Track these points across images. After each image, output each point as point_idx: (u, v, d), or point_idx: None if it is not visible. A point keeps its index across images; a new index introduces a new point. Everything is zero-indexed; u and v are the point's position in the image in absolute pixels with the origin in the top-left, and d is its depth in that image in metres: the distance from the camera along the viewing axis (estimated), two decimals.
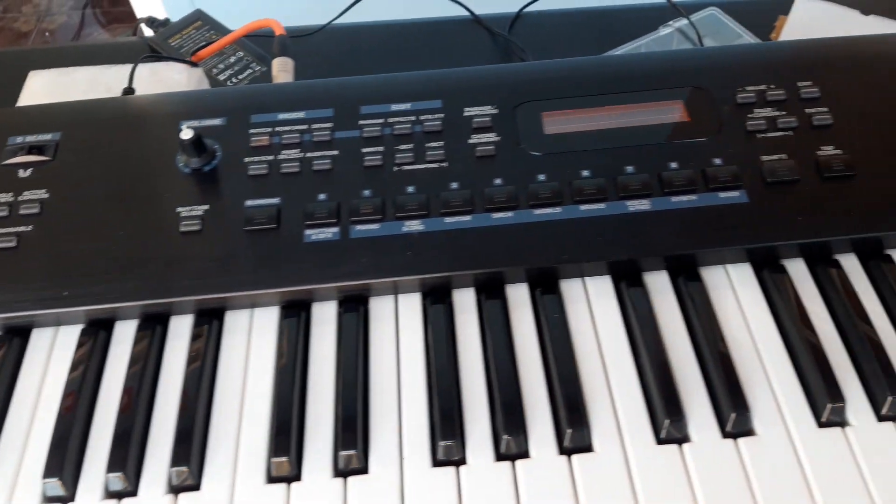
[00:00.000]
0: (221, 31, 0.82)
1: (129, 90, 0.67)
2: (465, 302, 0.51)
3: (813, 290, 0.51)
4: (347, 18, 0.85)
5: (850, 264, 0.52)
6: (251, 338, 0.50)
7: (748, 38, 0.82)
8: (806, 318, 0.49)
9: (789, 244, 0.51)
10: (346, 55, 0.83)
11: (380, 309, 0.51)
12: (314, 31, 0.83)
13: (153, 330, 0.50)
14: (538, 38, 0.85)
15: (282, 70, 0.66)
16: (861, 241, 0.52)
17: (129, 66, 0.72)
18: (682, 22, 0.82)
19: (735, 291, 0.51)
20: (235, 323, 0.50)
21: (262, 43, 0.79)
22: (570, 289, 0.51)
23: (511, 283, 0.52)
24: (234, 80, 0.78)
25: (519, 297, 0.51)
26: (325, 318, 0.50)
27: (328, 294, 0.51)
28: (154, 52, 0.81)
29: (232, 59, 0.81)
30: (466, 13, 0.86)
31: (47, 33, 2.33)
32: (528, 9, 0.89)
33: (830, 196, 0.52)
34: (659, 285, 0.51)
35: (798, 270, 0.52)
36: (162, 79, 0.77)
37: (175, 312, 0.51)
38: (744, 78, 0.57)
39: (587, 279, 0.52)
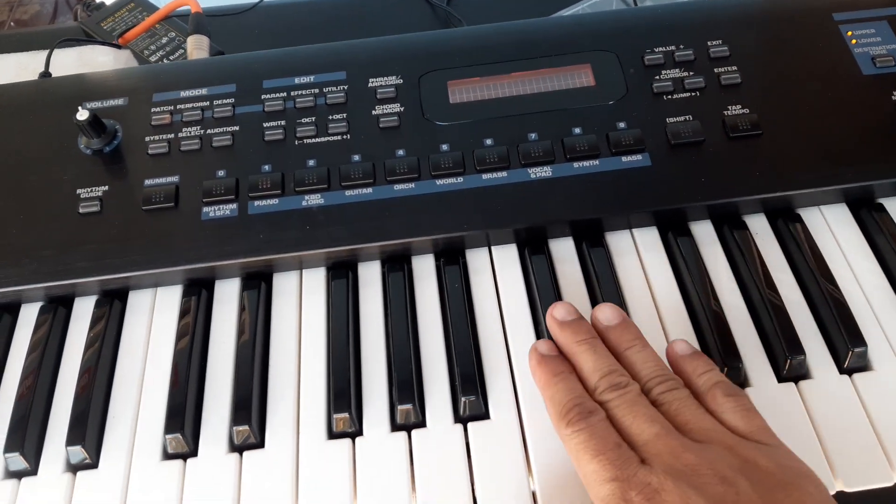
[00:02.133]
0: (153, 12, 0.81)
1: (45, 74, 0.66)
2: (370, 275, 0.51)
3: (720, 252, 0.50)
4: None
5: (759, 225, 0.52)
6: (153, 317, 0.49)
7: None
8: (709, 283, 0.48)
9: (693, 206, 0.51)
10: (280, 33, 0.81)
11: (283, 285, 0.50)
12: (248, 8, 0.82)
13: (55, 312, 0.49)
14: (478, 9, 0.84)
15: (196, 48, 0.65)
16: (769, 200, 0.51)
17: (58, 53, 0.71)
18: None
19: (640, 255, 0.50)
20: (138, 302, 0.50)
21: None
22: (476, 259, 0.51)
23: (417, 255, 0.51)
24: (165, 60, 0.77)
25: (425, 268, 0.51)
26: (227, 296, 0.50)
27: (231, 271, 0.50)
28: (88, 36, 0.80)
29: (164, 40, 0.79)
30: None
31: (12, 24, 2.30)
32: None
33: (737, 156, 0.51)
34: (564, 253, 0.51)
35: (705, 233, 0.51)
36: (87, 62, 0.76)
37: (79, 294, 0.51)
38: (653, 39, 0.56)
39: (494, 248, 0.51)
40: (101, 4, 0.88)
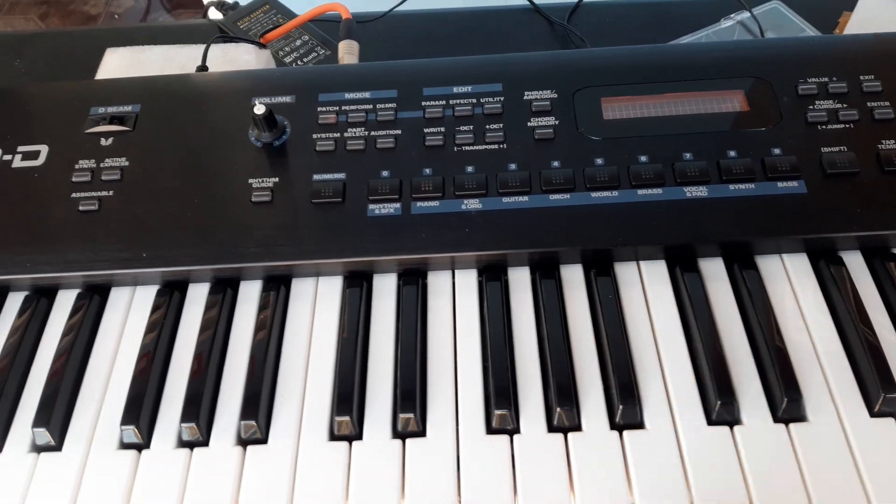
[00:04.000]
0: (288, 14, 0.84)
1: (202, 67, 0.70)
2: (520, 280, 0.53)
3: (869, 282, 0.51)
4: (410, 6, 0.87)
5: None
6: (316, 305, 0.52)
7: (811, 32, 0.81)
8: (861, 309, 0.49)
9: (847, 236, 0.51)
10: (407, 42, 0.84)
11: (437, 283, 0.53)
12: (377, 18, 0.85)
13: (224, 293, 0.52)
14: (597, 28, 0.85)
15: (347, 52, 0.68)
16: None
17: (200, 46, 0.75)
18: (744, 15, 0.82)
19: (791, 281, 0.51)
20: (301, 290, 0.53)
21: (326, 27, 0.81)
22: (625, 272, 0.53)
23: (565, 264, 0.53)
24: (299, 62, 0.81)
25: (573, 277, 0.52)
26: (385, 290, 0.52)
27: (389, 266, 0.53)
28: (224, 34, 0.84)
29: (298, 43, 0.83)
30: (526, 2, 0.87)
31: (116, 16, 2.41)
32: None
33: (890, 190, 0.52)
34: (714, 272, 0.52)
35: (855, 263, 0.52)
36: (232, 59, 0.79)
37: (245, 278, 0.53)
38: (805, 70, 0.57)
39: (642, 263, 0.53)
40: (236, 4, 0.92)
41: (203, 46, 0.74)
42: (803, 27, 0.82)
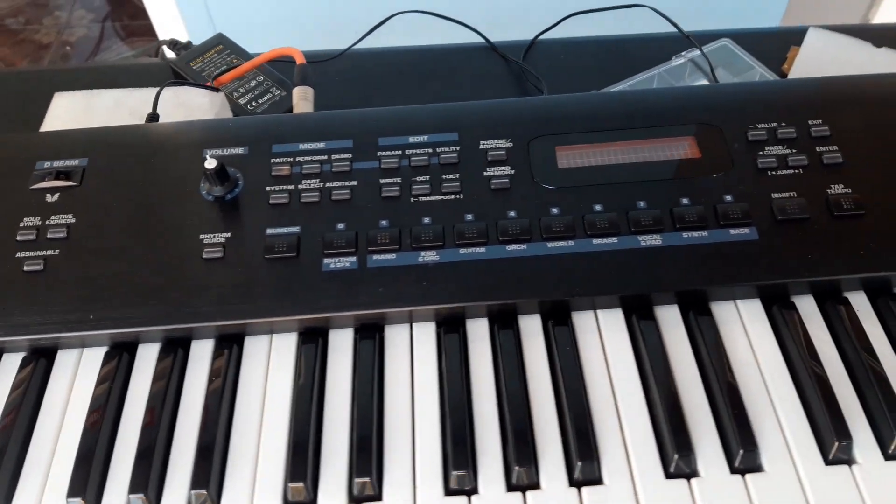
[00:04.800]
0: (242, 55, 0.84)
1: (153, 116, 0.69)
2: (478, 332, 0.52)
3: (822, 326, 0.52)
4: (365, 44, 0.87)
5: (860, 301, 0.53)
6: (269, 364, 0.51)
7: (759, 69, 0.83)
8: (815, 355, 0.49)
9: (799, 282, 0.52)
10: (362, 80, 0.84)
11: (395, 337, 0.52)
12: (332, 57, 0.85)
13: (175, 354, 0.51)
14: (553, 65, 0.86)
15: (302, 99, 0.68)
16: (870, 279, 0.53)
17: (152, 90, 0.74)
18: (695, 53, 0.83)
19: (745, 327, 0.52)
20: (255, 348, 0.52)
21: (281, 67, 0.81)
22: (582, 321, 0.53)
23: (524, 315, 0.53)
24: (254, 103, 0.80)
25: (531, 328, 0.52)
26: (341, 346, 0.52)
27: (345, 322, 0.52)
28: (176, 75, 0.83)
29: (252, 84, 0.82)
30: (482, 40, 0.87)
31: (67, 47, 2.37)
32: (542, 37, 0.90)
33: (840, 234, 0.53)
34: (670, 319, 0.52)
35: (807, 307, 0.53)
36: (184, 102, 0.78)
37: (196, 337, 0.52)
38: (754, 115, 0.58)
39: (599, 312, 0.53)
40: (189, 43, 0.91)
41: (155, 90, 0.73)
42: (752, 64, 0.84)
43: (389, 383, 0.50)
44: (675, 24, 0.87)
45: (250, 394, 0.49)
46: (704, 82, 0.84)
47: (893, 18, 1.63)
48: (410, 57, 0.88)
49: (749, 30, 0.91)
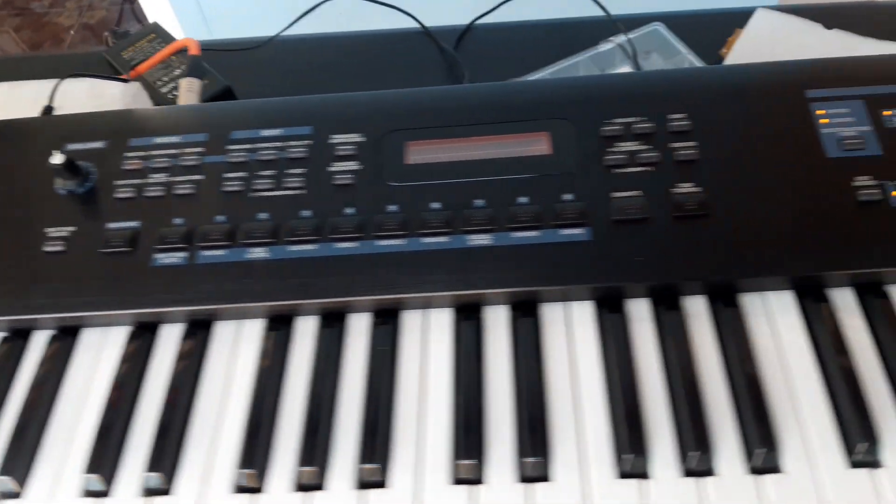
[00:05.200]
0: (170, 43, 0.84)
1: (48, 109, 0.71)
2: (305, 330, 0.52)
3: (651, 330, 0.50)
4: (300, 30, 0.87)
5: (697, 308, 0.51)
6: (101, 356, 0.52)
7: (688, 55, 0.80)
8: (631, 361, 0.48)
9: (630, 286, 0.50)
10: (288, 69, 0.84)
11: (223, 334, 0.53)
12: (258, 45, 0.85)
13: (13, 344, 0.53)
14: (487, 51, 0.85)
15: (188, 90, 0.68)
16: (711, 284, 0.51)
17: (72, 81, 0.76)
18: (625, 38, 0.80)
19: (572, 331, 0.50)
20: (89, 341, 0.53)
21: (206, 56, 0.81)
22: (411, 319, 0.52)
23: (354, 313, 0.53)
24: (175, 92, 0.81)
25: (358, 326, 0.52)
26: (170, 341, 0.52)
27: (177, 317, 0.53)
28: (110, 64, 0.85)
29: (177, 72, 0.83)
30: (418, 26, 0.86)
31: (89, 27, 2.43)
32: (480, 21, 0.88)
33: (680, 236, 0.51)
34: (496, 320, 0.51)
35: (640, 311, 0.51)
36: (99, 94, 0.80)
37: (37, 328, 0.54)
38: (613, 109, 0.56)
39: (431, 311, 0.52)
40: (127, 32, 0.93)
41: (65, 80, 0.75)
42: (680, 49, 0.81)
43: (206, 379, 0.50)
44: (602, 7, 0.84)
45: (76, 385, 0.51)
46: (628, 69, 0.82)
47: None
48: (341, 43, 0.87)
49: (697, 11, 0.88)
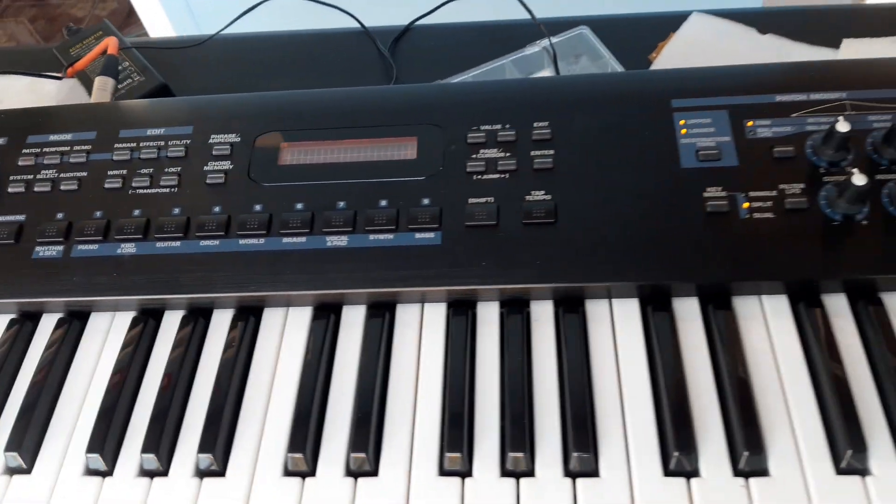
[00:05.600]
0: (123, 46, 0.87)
1: None
2: (171, 323, 0.55)
3: (495, 334, 0.51)
4: (245, 27, 0.89)
5: (542, 310, 0.52)
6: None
7: (610, 60, 0.80)
8: (472, 361, 0.50)
9: (476, 289, 0.52)
10: (226, 67, 0.86)
11: (97, 324, 0.55)
12: (197, 43, 0.88)
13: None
14: (421, 51, 0.86)
15: (100, 89, 0.71)
16: (559, 290, 0.52)
17: (14, 77, 0.79)
18: (554, 40, 0.81)
19: (421, 329, 0.52)
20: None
21: (150, 54, 0.84)
22: (272, 318, 0.54)
23: (219, 309, 0.55)
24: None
25: (221, 322, 0.54)
26: (47, 330, 0.55)
27: (55, 307, 0.56)
28: (59, 60, 0.88)
29: (118, 69, 0.86)
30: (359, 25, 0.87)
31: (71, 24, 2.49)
32: (418, 22, 0.90)
33: (526, 242, 0.52)
34: (353, 319, 0.53)
35: (488, 314, 0.52)
36: (37, 89, 0.84)
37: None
38: (481, 116, 0.57)
39: (290, 309, 0.54)
40: (80, 30, 0.96)
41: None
42: (603, 53, 0.81)
43: (76, 368, 0.53)
44: (529, 11, 0.85)
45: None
46: (548, 73, 0.83)
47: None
48: (282, 42, 0.89)
49: (633, 15, 0.88)
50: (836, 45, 0.76)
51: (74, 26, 0.98)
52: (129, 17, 2.53)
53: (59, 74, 0.82)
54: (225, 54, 0.88)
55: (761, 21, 0.82)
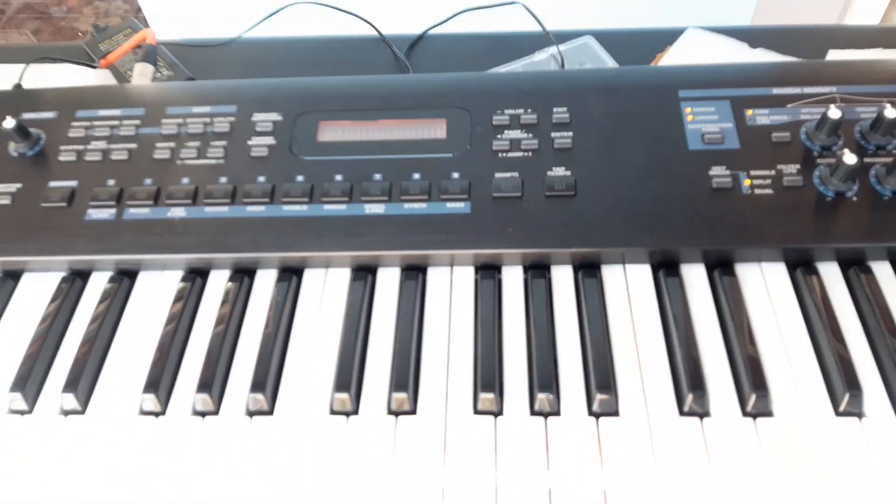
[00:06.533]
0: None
1: (17, 86, 0.78)
2: (216, 283, 0.59)
3: (520, 295, 0.56)
4: (261, 33, 0.94)
5: (562, 274, 0.57)
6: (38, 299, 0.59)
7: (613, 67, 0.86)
8: (494, 322, 0.54)
9: (504, 252, 0.56)
10: (247, 67, 0.91)
11: (147, 282, 0.59)
12: (221, 44, 0.92)
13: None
14: (435, 58, 0.91)
15: (140, 74, 0.75)
16: (578, 255, 0.57)
17: (50, 67, 0.83)
18: (558, 48, 0.87)
19: (451, 290, 0.57)
20: (30, 283, 0.60)
21: (178, 51, 0.88)
22: (313, 277, 0.59)
23: (262, 269, 0.59)
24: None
25: (266, 282, 0.59)
26: (97, 287, 0.59)
27: (106, 265, 0.60)
28: (88, 55, 0.92)
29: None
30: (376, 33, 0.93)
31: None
32: (432, 31, 0.95)
33: (550, 213, 0.57)
34: (390, 279, 0.58)
35: (514, 276, 0.57)
36: (72, 78, 0.88)
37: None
38: (506, 101, 0.62)
39: (329, 270, 0.59)
40: (108, 27, 1.01)
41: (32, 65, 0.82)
42: (606, 61, 0.87)
43: (126, 322, 0.57)
44: (538, 21, 0.91)
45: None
46: None
47: (867, 18, 1.59)
48: (300, 46, 0.94)
49: (633, 29, 0.94)
50: (821, 58, 0.83)
51: (102, 24, 1.02)
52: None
53: (94, 64, 0.86)
54: (247, 56, 0.92)
55: (751, 37, 0.88)
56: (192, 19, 1.67)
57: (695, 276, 0.56)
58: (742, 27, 0.95)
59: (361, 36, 0.95)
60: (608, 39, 0.89)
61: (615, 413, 0.50)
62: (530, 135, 0.61)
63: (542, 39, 0.89)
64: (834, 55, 0.83)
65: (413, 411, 0.50)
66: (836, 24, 0.96)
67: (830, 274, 0.55)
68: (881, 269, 0.55)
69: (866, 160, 0.57)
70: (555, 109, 0.62)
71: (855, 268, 0.55)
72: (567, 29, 0.93)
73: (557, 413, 0.50)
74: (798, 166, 0.57)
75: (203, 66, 0.88)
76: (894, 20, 1.52)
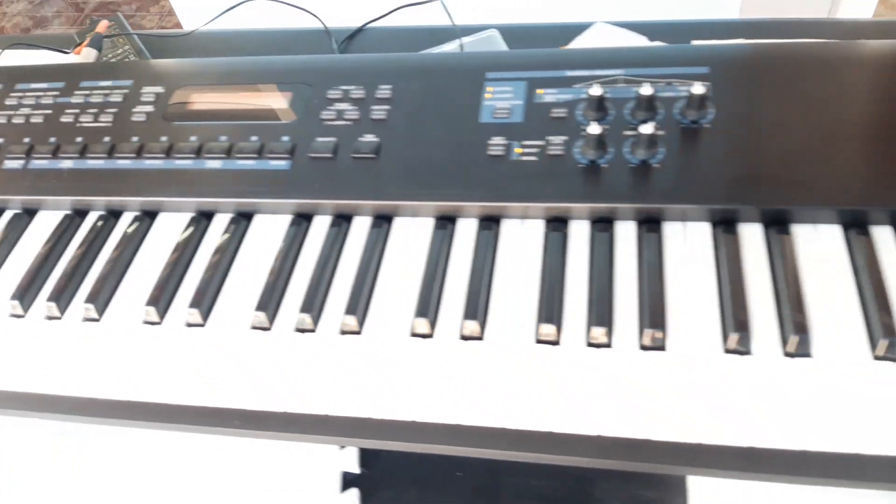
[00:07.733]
0: (125, 31, 1.08)
1: None
2: (88, 222, 0.73)
3: (320, 241, 0.67)
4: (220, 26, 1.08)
5: (360, 223, 0.68)
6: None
7: None
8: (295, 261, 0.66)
9: (313, 202, 0.68)
10: (211, 53, 1.05)
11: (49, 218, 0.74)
12: (182, 35, 1.08)
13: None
14: (365, 49, 1.03)
15: (85, 56, 0.91)
16: (375, 207, 0.67)
17: (29, 52, 1.01)
18: (462, 41, 0.96)
19: (269, 236, 0.68)
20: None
21: (151, 42, 1.04)
22: (164, 222, 0.72)
23: (128, 212, 0.73)
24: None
25: (125, 222, 0.72)
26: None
27: (15, 205, 0.75)
28: (77, 42, 1.09)
29: (119, 51, 1.07)
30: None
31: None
32: (370, 25, 1.07)
33: (355, 171, 0.68)
34: (220, 226, 0.70)
35: (321, 226, 0.68)
36: (48, 62, 1.04)
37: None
38: (346, 80, 0.74)
39: (173, 214, 0.72)
40: (100, 19, 1.18)
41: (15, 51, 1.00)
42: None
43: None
44: (448, 14, 1.01)
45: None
46: None
47: (856, 12, 1.59)
48: (252, 38, 1.08)
49: (542, 24, 1.03)
50: None
51: (97, 17, 1.20)
52: None
53: (67, 51, 1.03)
54: (204, 46, 1.07)
55: (735, 30, 0.92)
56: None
57: (467, 228, 0.66)
58: (727, 20, 0.99)
59: (308, 29, 1.08)
60: (516, 33, 0.97)
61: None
62: (356, 107, 0.72)
63: (453, 33, 0.99)
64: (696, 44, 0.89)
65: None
66: (820, 18, 1.00)
67: (581, 232, 0.64)
68: (625, 227, 0.63)
69: (626, 133, 0.65)
70: (380, 87, 0.73)
71: (601, 223, 0.63)
72: (482, 23, 1.02)
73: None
74: (566, 138, 0.66)
75: (169, 53, 1.04)
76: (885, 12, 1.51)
